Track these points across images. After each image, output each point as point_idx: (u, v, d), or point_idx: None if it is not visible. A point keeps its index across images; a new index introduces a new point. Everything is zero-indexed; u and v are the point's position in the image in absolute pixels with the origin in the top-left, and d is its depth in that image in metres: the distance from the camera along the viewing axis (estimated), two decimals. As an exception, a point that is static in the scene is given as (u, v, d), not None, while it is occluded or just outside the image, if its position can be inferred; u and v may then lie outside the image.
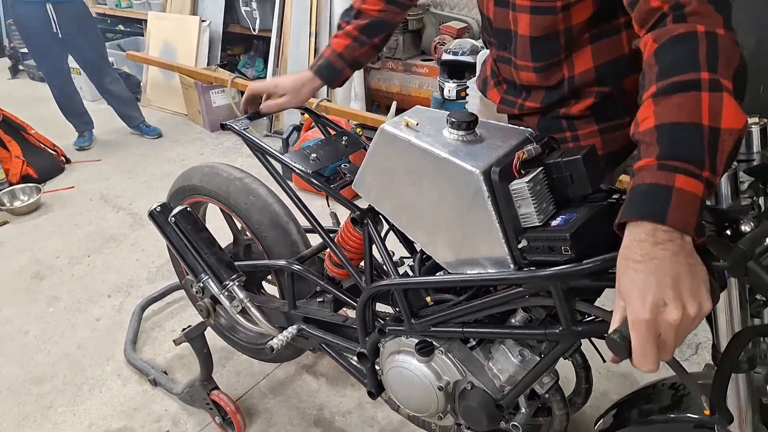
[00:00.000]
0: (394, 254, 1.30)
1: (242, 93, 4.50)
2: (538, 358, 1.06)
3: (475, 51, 3.25)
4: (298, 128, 3.44)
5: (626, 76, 1.08)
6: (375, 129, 3.65)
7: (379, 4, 1.31)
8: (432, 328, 1.10)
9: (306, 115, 3.40)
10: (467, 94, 3.23)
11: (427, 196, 1.05)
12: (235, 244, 1.71)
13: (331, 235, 1.35)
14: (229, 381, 1.91)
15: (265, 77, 4.65)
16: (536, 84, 1.12)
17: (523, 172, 0.96)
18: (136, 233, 2.87)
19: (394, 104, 3.23)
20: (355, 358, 1.30)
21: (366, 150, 1.36)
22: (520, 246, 0.94)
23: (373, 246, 1.24)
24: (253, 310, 1.40)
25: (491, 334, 1.05)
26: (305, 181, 1.22)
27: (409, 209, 1.10)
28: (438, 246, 1.08)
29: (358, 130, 3.05)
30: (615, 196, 1.02)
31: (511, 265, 0.97)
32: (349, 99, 4.32)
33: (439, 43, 3.82)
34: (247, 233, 1.60)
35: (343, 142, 1.34)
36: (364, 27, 1.31)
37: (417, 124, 1.06)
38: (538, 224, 0.94)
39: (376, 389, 1.30)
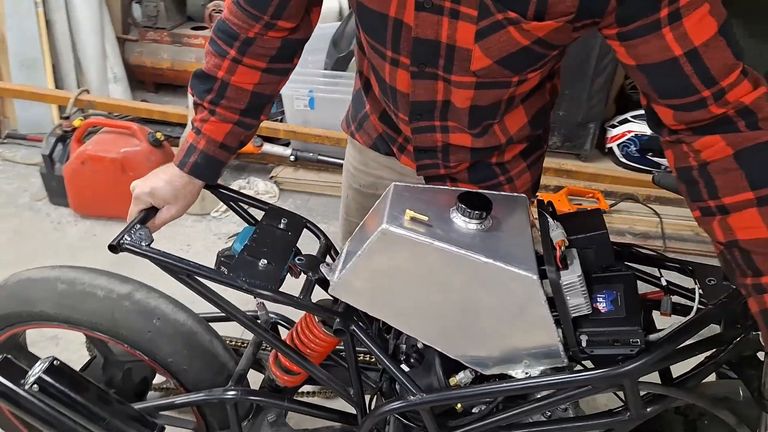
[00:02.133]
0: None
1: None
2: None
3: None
4: (63, 138, 2.69)
5: (549, 112, 1.09)
6: (165, 123, 3.09)
7: (253, 77, 0.99)
8: (470, 438, 1.00)
9: (78, 121, 2.70)
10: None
11: (452, 299, 0.90)
12: (105, 368, 1.27)
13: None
14: None
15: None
16: (469, 146, 1.04)
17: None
18: None
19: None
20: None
21: (309, 228, 1.12)
22: (582, 345, 0.89)
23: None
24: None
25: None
26: (273, 301, 0.93)
27: (419, 312, 0.94)
28: (464, 348, 0.95)
29: (160, 133, 2.52)
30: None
31: (565, 360, 0.91)
32: (105, 81, 3.56)
33: (214, 10, 3.37)
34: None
35: (281, 227, 1.06)
36: (245, 110, 1.01)
37: (428, 219, 0.88)
38: (587, 312, 0.90)
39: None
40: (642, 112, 3.00)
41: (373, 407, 1.07)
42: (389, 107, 1.01)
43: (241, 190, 2.82)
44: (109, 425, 1.00)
